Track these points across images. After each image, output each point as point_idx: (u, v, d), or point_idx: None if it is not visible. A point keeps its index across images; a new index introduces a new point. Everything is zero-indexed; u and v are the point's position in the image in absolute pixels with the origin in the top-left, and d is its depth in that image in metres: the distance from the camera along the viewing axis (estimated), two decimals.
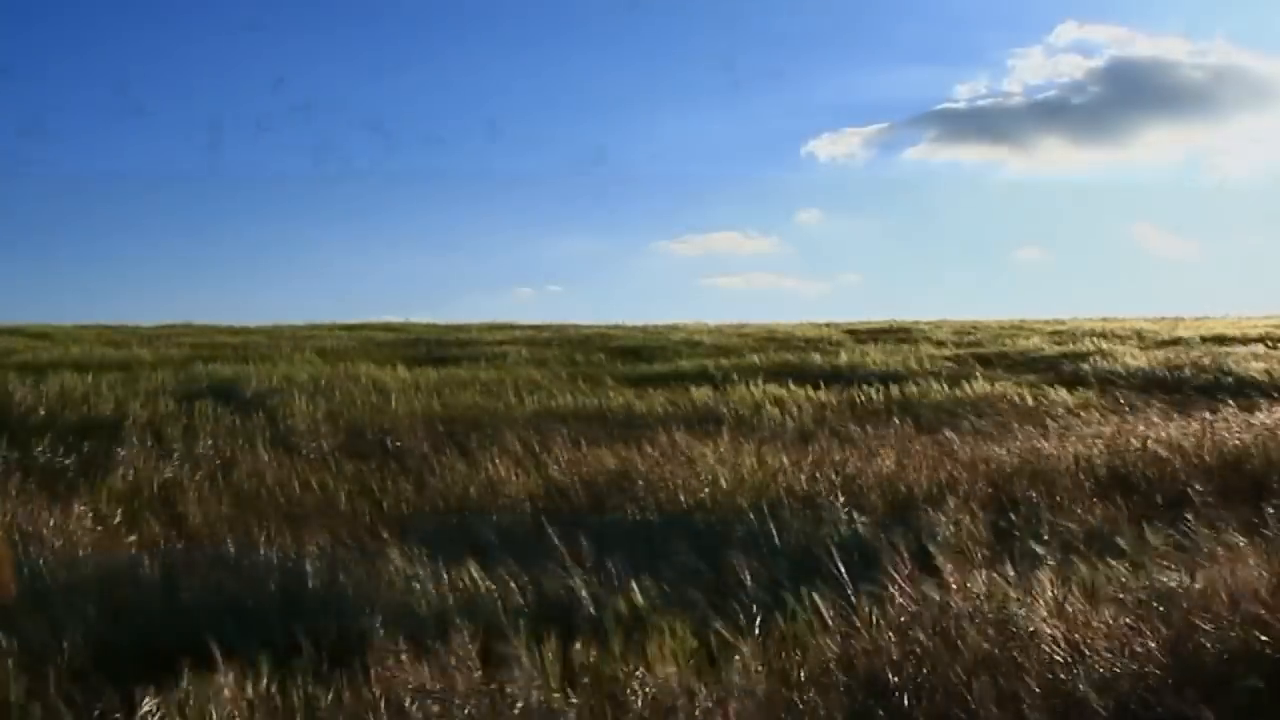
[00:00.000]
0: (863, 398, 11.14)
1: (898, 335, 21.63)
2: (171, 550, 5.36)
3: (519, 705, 3.01)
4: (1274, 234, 55.14)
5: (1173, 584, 3.68)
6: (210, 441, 8.29)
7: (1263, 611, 3.31)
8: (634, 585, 4.14)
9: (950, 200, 57.51)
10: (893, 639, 3.40)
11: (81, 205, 52.13)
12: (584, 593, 4.15)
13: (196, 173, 54.67)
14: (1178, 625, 3.34)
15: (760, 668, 3.27)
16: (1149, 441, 7.06)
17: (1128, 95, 49.36)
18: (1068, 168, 55.25)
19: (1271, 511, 4.61)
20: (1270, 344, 17.03)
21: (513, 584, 4.31)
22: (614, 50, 56.05)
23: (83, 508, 5.87)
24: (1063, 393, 11.51)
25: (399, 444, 8.39)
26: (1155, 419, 8.50)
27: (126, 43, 51.31)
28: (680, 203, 58.79)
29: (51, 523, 5.49)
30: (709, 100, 56.62)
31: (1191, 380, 12.84)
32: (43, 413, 9.47)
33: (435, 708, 3.04)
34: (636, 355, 17.42)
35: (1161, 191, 58.54)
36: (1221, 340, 18.39)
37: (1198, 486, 5.86)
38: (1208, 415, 8.28)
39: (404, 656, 3.33)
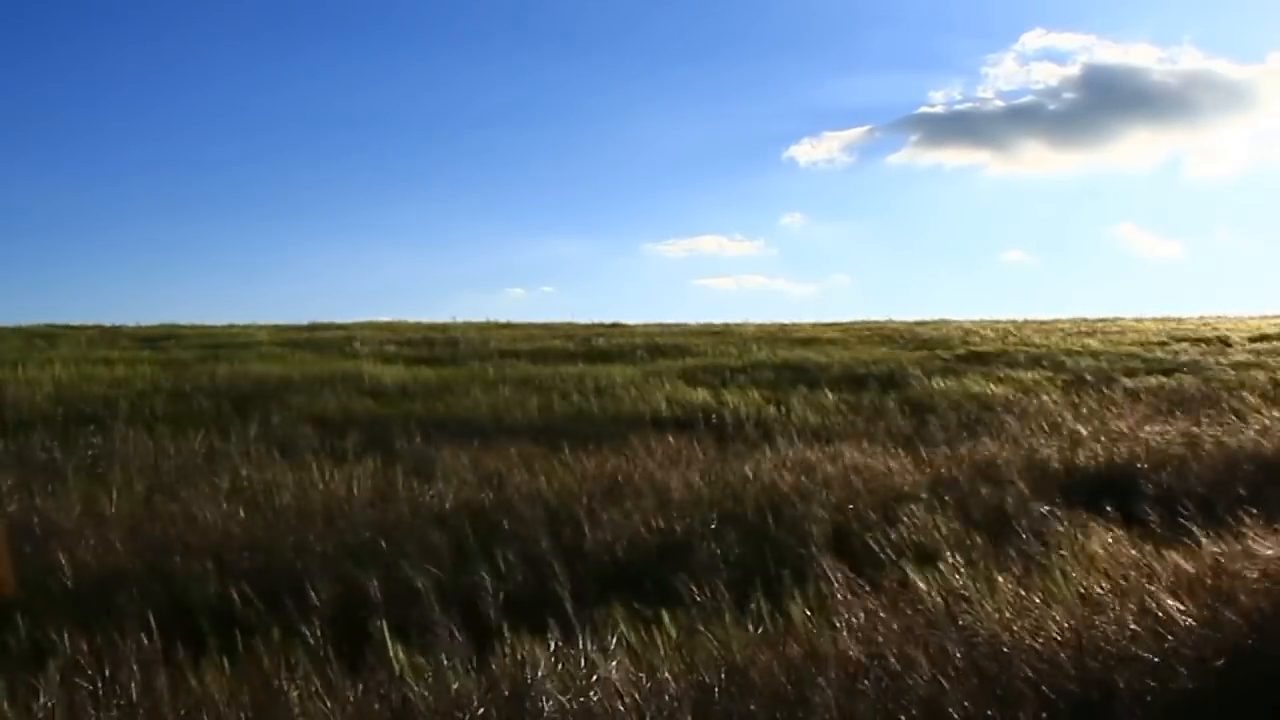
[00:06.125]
0: None
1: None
2: None
3: None
4: (1257, 233, 55.69)
5: None
6: None
7: None
8: None
9: (934, 203, 58.05)
10: None
11: (78, 205, 52.03)
12: None
13: (193, 173, 54.70)
14: None
15: None
16: None
17: (1103, 100, 50.10)
18: (1048, 170, 56.00)
19: None
20: None
21: None
22: (601, 57, 56.25)
23: None
24: None
25: None
26: None
27: (126, 44, 51.19)
28: (665, 207, 59.16)
29: None
30: (689, 106, 56.97)
31: None
32: None
33: None
34: None
35: (1142, 193, 59.15)
36: None
37: None
38: None
39: None
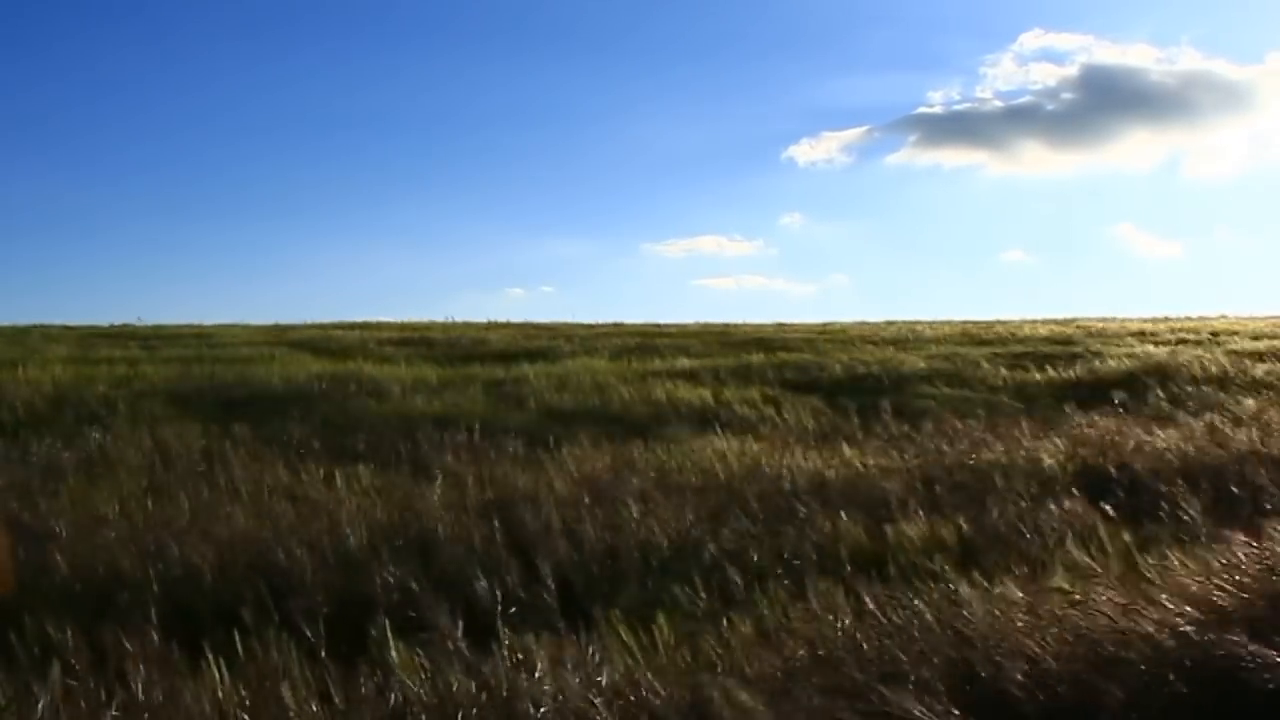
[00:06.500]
0: None
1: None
2: None
3: None
4: (1257, 233, 55.80)
5: None
6: None
7: None
8: None
9: (933, 203, 58.30)
10: None
11: (77, 205, 52.11)
12: None
13: (192, 173, 54.80)
14: None
15: None
16: None
17: (1102, 100, 50.38)
18: (1047, 170, 56.33)
19: None
20: None
21: None
22: (601, 57, 56.40)
23: None
24: None
25: None
26: None
27: (126, 44, 51.23)
28: (665, 207, 59.43)
29: None
30: (689, 106, 57.18)
31: None
32: None
33: None
34: None
35: (1142, 193, 59.38)
36: None
37: None
38: None
39: None
